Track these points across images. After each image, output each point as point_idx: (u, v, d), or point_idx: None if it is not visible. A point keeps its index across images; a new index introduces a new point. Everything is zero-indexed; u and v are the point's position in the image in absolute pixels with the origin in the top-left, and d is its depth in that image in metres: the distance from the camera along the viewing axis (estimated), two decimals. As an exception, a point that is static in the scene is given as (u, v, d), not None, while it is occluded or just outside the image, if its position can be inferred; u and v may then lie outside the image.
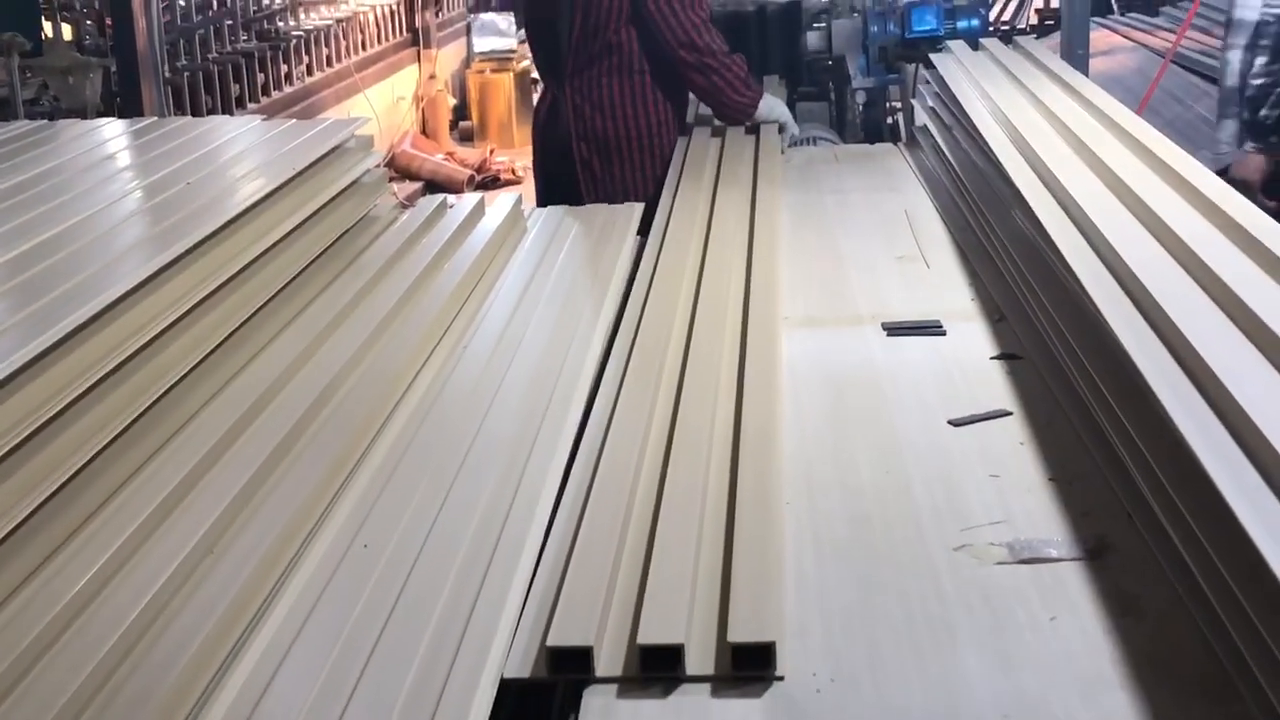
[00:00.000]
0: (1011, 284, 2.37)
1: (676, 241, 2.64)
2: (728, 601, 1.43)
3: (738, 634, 1.37)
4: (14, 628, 1.37)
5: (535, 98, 9.34)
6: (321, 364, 2.03)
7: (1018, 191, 2.44)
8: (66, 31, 5.59)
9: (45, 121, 3.14)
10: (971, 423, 1.90)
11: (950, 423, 1.90)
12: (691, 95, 3.77)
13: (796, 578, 1.52)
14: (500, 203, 2.92)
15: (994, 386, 2.03)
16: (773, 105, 3.70)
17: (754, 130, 3.61)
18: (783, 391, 1.99)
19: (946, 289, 2.48)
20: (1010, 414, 1.93)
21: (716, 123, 3.72)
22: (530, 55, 4.14)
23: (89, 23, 5.78)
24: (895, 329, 2.27)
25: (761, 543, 1.53)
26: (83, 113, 4.80)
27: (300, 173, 2.50)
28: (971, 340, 2.22)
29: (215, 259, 2.10)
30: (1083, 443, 1.82)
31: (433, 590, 1.48)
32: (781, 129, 3.66)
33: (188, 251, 2.02)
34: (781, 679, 1.36)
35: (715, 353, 2.07)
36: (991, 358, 2.14)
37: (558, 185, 3.73)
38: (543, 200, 3.78)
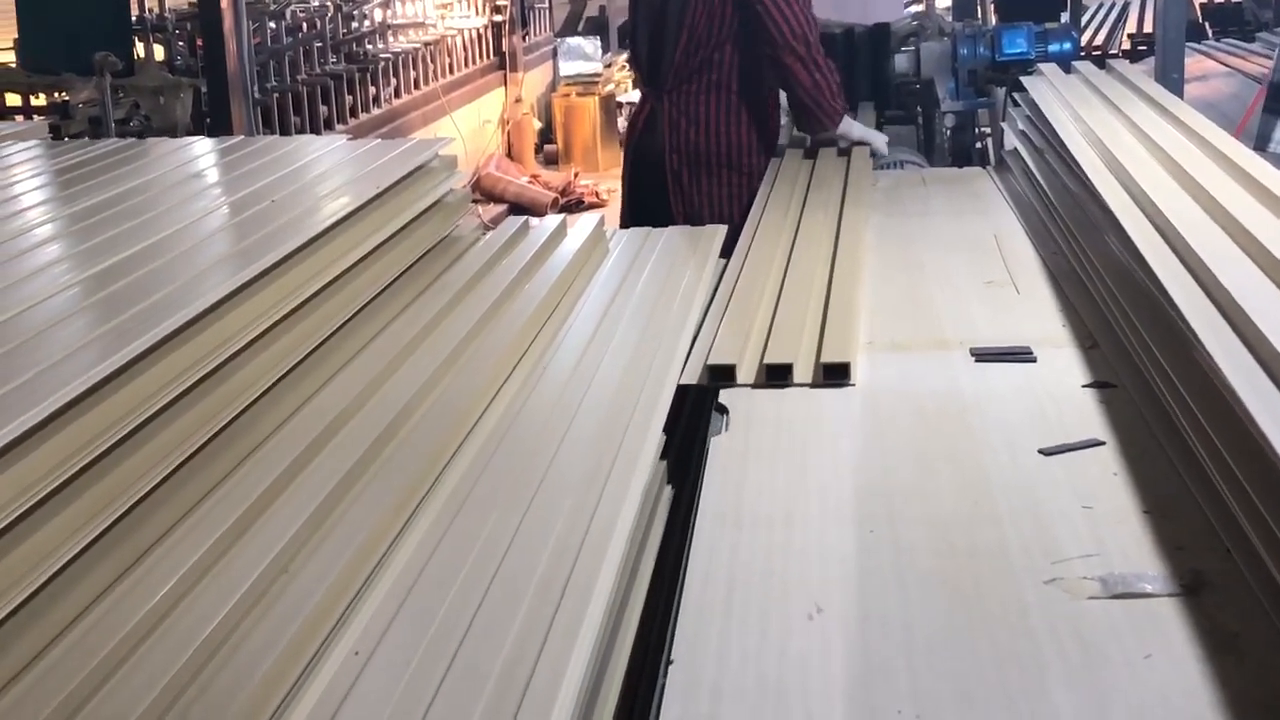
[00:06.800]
0: (1104, 310, 2.31)
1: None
2: (823, 336, 2.18)
3: (828, 356, 2.10)
4: (87, 644, 1.35)
5: (621, 118, 9.45)
6: (399, 385, 2.01)
7: (1112, 215, 2.38)
8: (158, 52, 5.69)
9: (135, 140, 3.17)
10: (1063, 452, 1.84)
11: (1041, 452, 1.85)
12: (784, 119, 3.87)
13: (880, 613, 1.47)
14: (582, 224, 2.90)
15: (1086, 415, 1.97)
16: (865, 127, 3.79)
17: (845, 153, 3.67)
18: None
19: (1037, 315, 2.42)
20: (1103, 443, 1.87)
21: (809, 144, 3.79)
22: (630, 64, 4.28)
23: (180, 44, 5.87)
24: (984, 355, 2.21)
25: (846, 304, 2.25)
26: (173, 132, 4.87)
27: (383, 192, 2.49)
28: (1063, 367, 2.16)
29: (296, 277, 2.09)
30: (1178, 474, 1.76)
31: (500, 628, 1.42)
32: (873, 153, 3.72)
33: (269, 269, 2.01)
34: (854, 385, 2.08)
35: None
36: (1084, 386, 2.08)
37: (646, 196, 3.83)
38: (627, 214, 3.88)
